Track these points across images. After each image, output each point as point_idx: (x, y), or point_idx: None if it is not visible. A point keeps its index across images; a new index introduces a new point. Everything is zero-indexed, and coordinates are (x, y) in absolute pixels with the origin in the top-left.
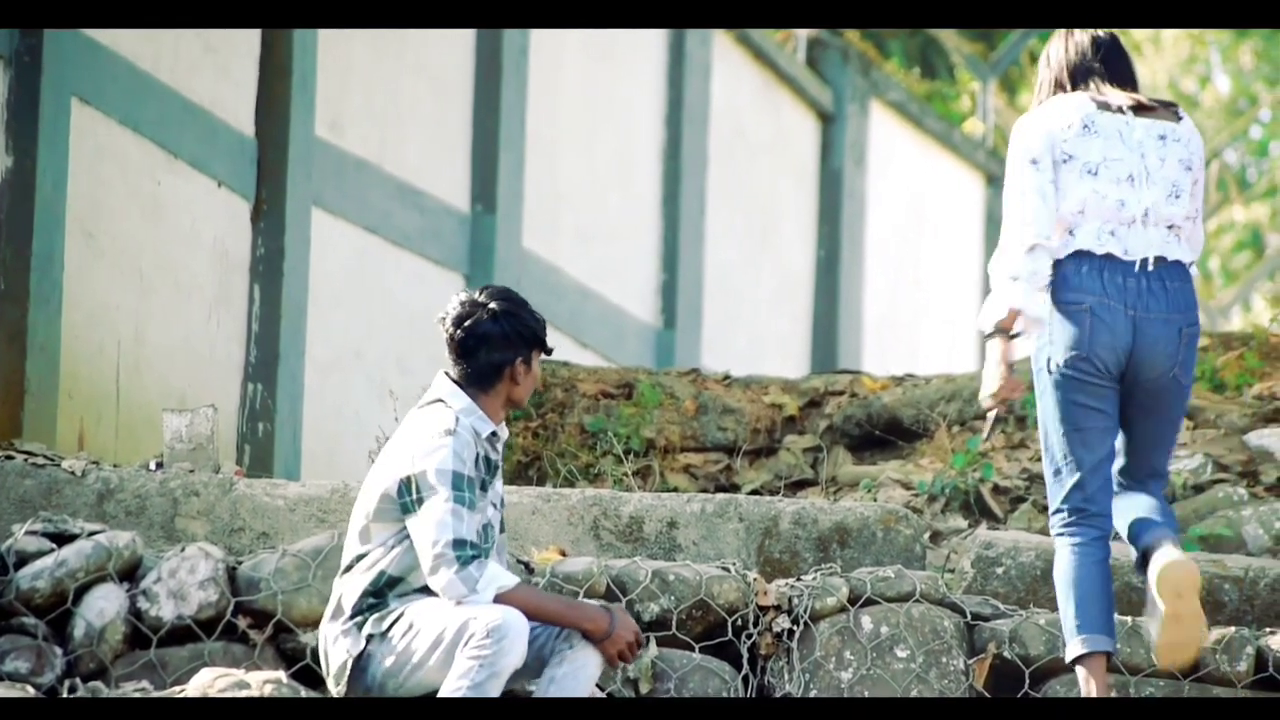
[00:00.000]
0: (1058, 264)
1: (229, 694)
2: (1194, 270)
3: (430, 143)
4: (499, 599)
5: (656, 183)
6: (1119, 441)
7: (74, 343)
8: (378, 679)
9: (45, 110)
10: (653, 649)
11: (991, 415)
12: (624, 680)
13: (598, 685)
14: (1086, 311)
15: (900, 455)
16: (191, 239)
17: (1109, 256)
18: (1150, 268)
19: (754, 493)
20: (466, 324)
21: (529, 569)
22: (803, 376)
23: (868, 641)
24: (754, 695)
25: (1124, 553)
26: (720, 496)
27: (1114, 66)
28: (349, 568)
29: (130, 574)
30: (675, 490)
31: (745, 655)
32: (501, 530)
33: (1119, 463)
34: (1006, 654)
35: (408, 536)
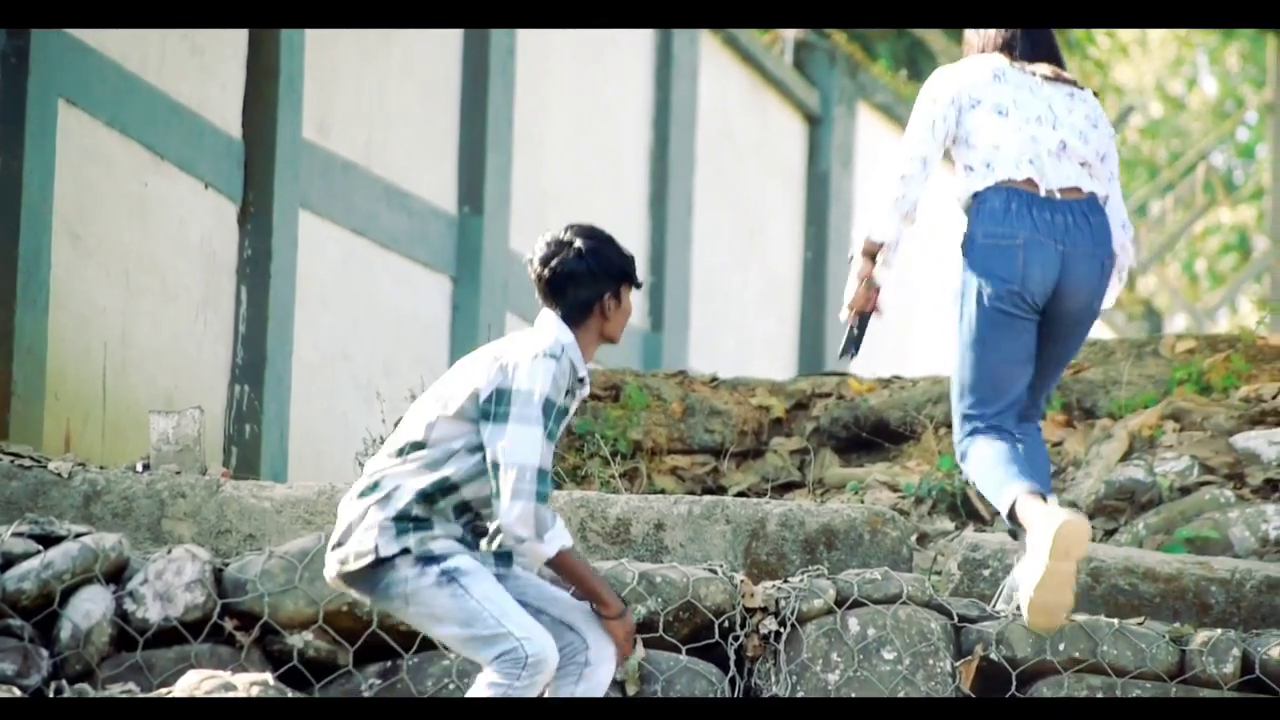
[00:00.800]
0: (981, 197)
1: (216, 695)
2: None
3: (417, 144)
4: (557, 557)
5: (644, 184)
6: (1035, 381)
7: (61, 344)
8: (387, 592)
9: (32, 111)
10: (640, 650)
11: (847, 329)
12: (611, 682)
13: None
14: (1020, 247)
15: (887, 457)
16: (178, 240)
17: (1031, 188)
18: (1070, 198)
19: (741, 495)
20: (553, 263)
21: None
22: (790, 378)
23: (854, 643)
24: (741, 697)
25: (1110, 555)
26: (707, 499)
27: (1039, 43)
28: (401, 452)
29: (117, 576)
30: (662, 492)
31: (732, 657)
32: None
33: (1027, 396)
34: (993, 656)
35: (481, 447)
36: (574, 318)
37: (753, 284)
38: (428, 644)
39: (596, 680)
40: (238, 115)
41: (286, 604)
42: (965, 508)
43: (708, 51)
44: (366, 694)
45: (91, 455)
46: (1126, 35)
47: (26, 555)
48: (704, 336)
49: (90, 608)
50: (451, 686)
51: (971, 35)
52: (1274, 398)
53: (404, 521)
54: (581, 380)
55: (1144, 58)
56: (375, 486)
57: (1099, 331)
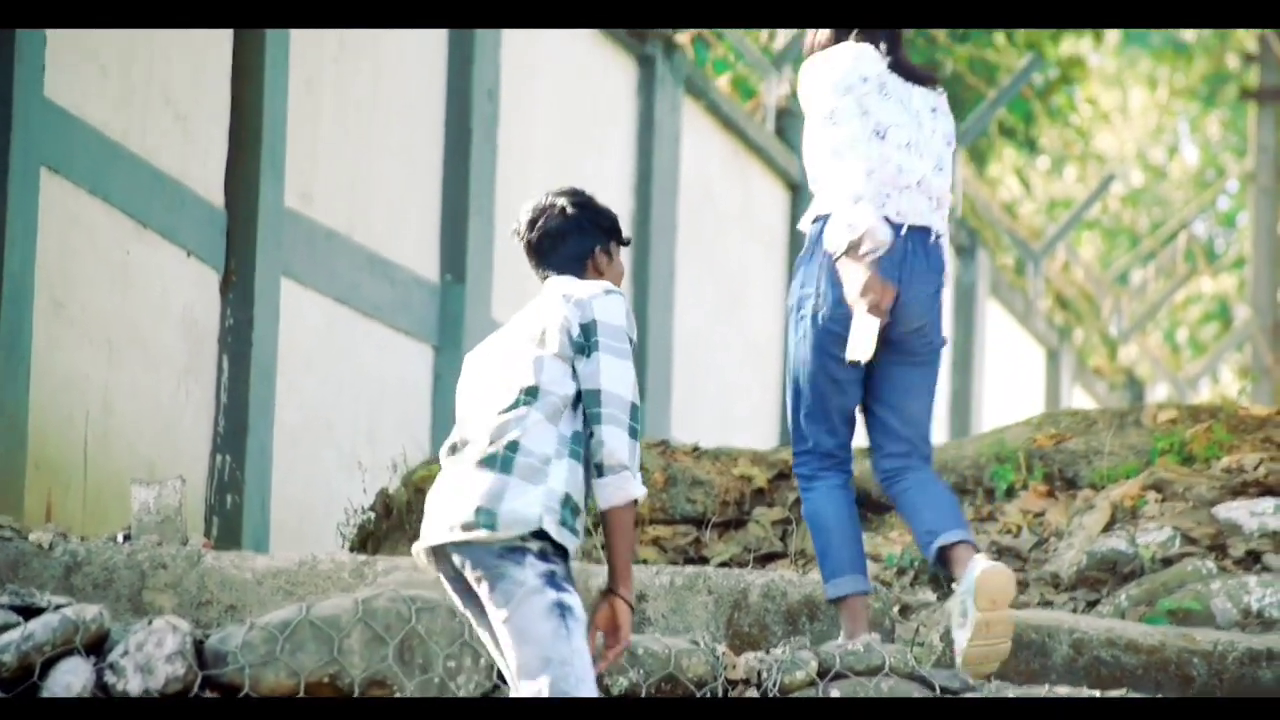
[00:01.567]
0: (827, 220)
1: None
2: (945, 240)
3: (399, 213)
4: (624, 509)
5: (625, 252)
6: (891, 418)
7: (42, 413)
8: (495, 582)
9: (14, 179)
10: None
11: (874, 327)
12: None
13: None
14: None
15: (869, 528)
16: (161, 309)
17: (884, 219)
18: (915, 233)
19: (723, 565)
20: (541, 223)
21: None
22: (772, 448)
23: None
24: None
25: (1092, 626)
26: (689, 569)
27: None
28: (517, 403)
29: (97, 647)
30: (644, 563)
31: None
32: None
33: (889, 439)
34: None
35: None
36: (569, 271)
37: (735, 351)
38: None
39: None
40: (220, 184)
41: (268, 676)
42: (947, 579)
43: (689, 119)
44: None
45: (72, 525)
46: (1107, 103)
47: (6, 626)
48: (686, 405)
49: (70, 680)
50: None
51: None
52: (1256, 468)
53: (565, 509)
54: None
55: (1125, 126)
56: (515, 447)
57: (1082, 401)
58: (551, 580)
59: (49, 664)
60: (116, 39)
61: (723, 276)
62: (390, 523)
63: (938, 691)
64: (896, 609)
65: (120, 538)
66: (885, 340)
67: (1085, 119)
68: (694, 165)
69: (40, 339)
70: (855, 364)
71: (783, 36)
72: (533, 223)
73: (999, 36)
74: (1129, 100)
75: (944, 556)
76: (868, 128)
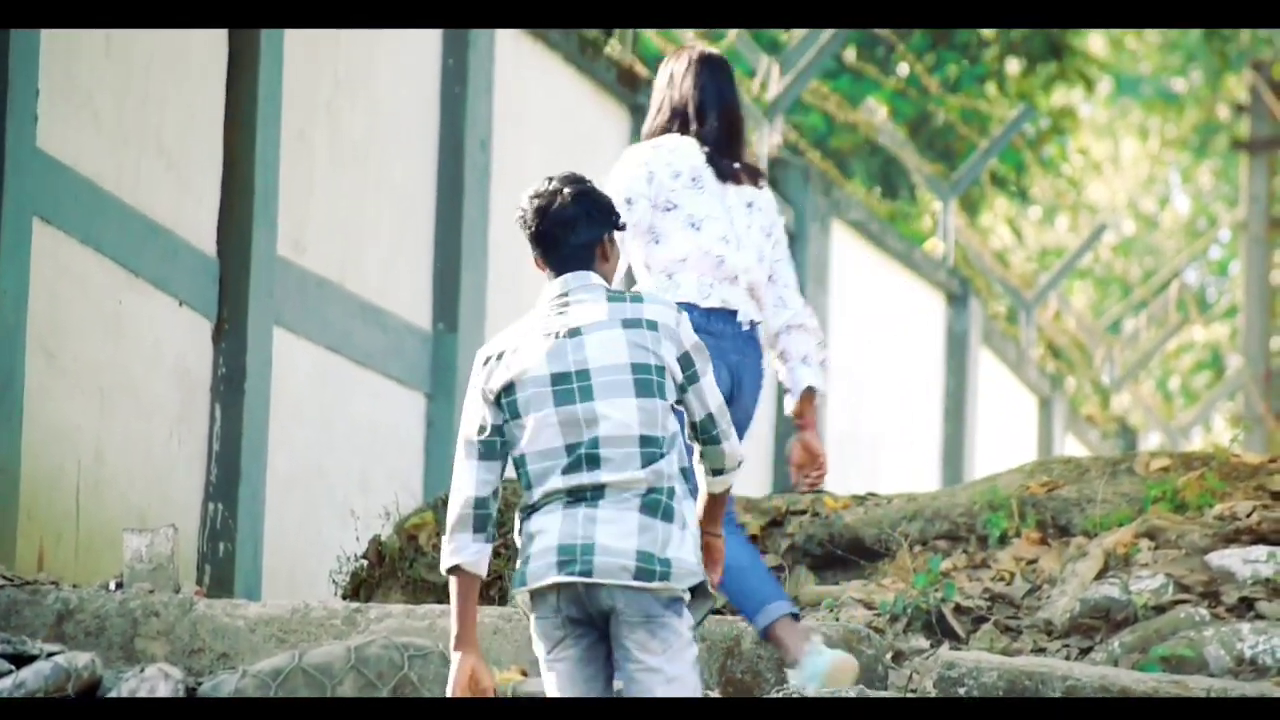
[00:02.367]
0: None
1: None
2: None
3: (392, 261)
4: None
5: None
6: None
7: (34, 462)
8: (655, 629)
9: (6, 229)
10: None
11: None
12: None
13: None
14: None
15: (862, 575)
16: (153, 358)
17: (709, 310)
18: (740, 323)
19: (716, 612)
20: (551, 211)
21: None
22: (765, 495)
23: None
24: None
25: (1085, 674)
26: None
27: (728, 110)
28: (657, 450)
29: (89, 695)
30: None
31: None
32: None
33: None
34: None
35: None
36: (582, 263)
37: None
38: None
39: None
40: (212, 232)
41: None
42: (940, 625)
43: None
44: None
45: (64, 573)
46: (1100, 153)
47: None
48: None
49: None
50: None
51: (666, 88)
52: (1248, 516)
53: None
54: None
55: (1117, 175)
56: (671, 494)
57: (1074, 450)
58: (694, 633)
59: None
60: (109, 87)
61: None
62: (383, 570)
63: None
64: (890, 656)
65: (112, 585)
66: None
67: (1077, 169)
68: None
69: (32, 388)
70: None
71: (775, 86)
72: (542, 211)
73: (990, 87)
74: (1120, 150)
75: (771, 632)
76: (679, 220)
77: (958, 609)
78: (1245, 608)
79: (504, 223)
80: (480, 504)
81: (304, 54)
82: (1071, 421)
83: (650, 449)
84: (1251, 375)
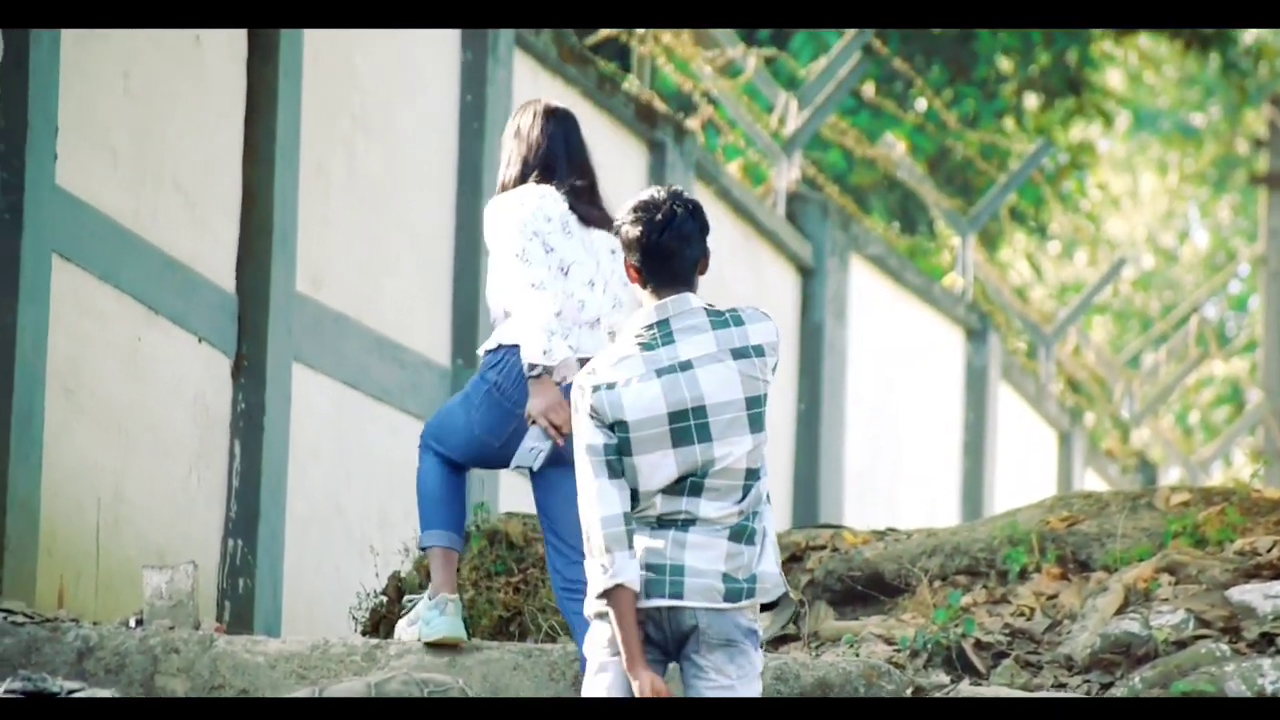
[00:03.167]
0: (510, 350)
1: None
2: None
3: (410, 296)
4: None
5: None
6: (564, 532)
7: (54, 500)
8: (731, 643)
9: (26, 267)
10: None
11: (548, 444)
12: None
13: None
14: (513, 414)
15: (882, 610)
16: (172, 395)
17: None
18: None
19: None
20: (671, 226)
21: None
22: (784, 531)
23: None
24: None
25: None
26: None
27: (577, 158)
28: (752, 481)
29: None
30: None
31: None
32: None
33: (563, 555)
34: None
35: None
36: (686, 280)
37: None
38: None
39: None
40: (231, 269)
41: None
42: (961, 661)
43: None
44: None
45: (85, 611)
46: (1118, 188)
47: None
48: None
49: None
50: None
51: (515, 140)
52: (1269, 551)
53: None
54: None
55: (1136, 210)
56: (755, 515)
57: (1094, 484)
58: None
59: None
60: (127, 125)
61: None
62: (402, 606)
63: None
64: (910, 691)
65: (132, 622)
66: (556, 456)
67: (1096, 204)
68: None
69: (52, 425)
70: (520, 469)
71: (793, 122)
72: (664, 224)
73: (1009, 122)
74: (1139, 185)
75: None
76: (553, 264)
77: (978, 644)
78: (1266, 643)
79: None
80: (627, 520)
81: (322, 90)
82: (1091, 456)
83: (751, 481)
84: (1271, 409)
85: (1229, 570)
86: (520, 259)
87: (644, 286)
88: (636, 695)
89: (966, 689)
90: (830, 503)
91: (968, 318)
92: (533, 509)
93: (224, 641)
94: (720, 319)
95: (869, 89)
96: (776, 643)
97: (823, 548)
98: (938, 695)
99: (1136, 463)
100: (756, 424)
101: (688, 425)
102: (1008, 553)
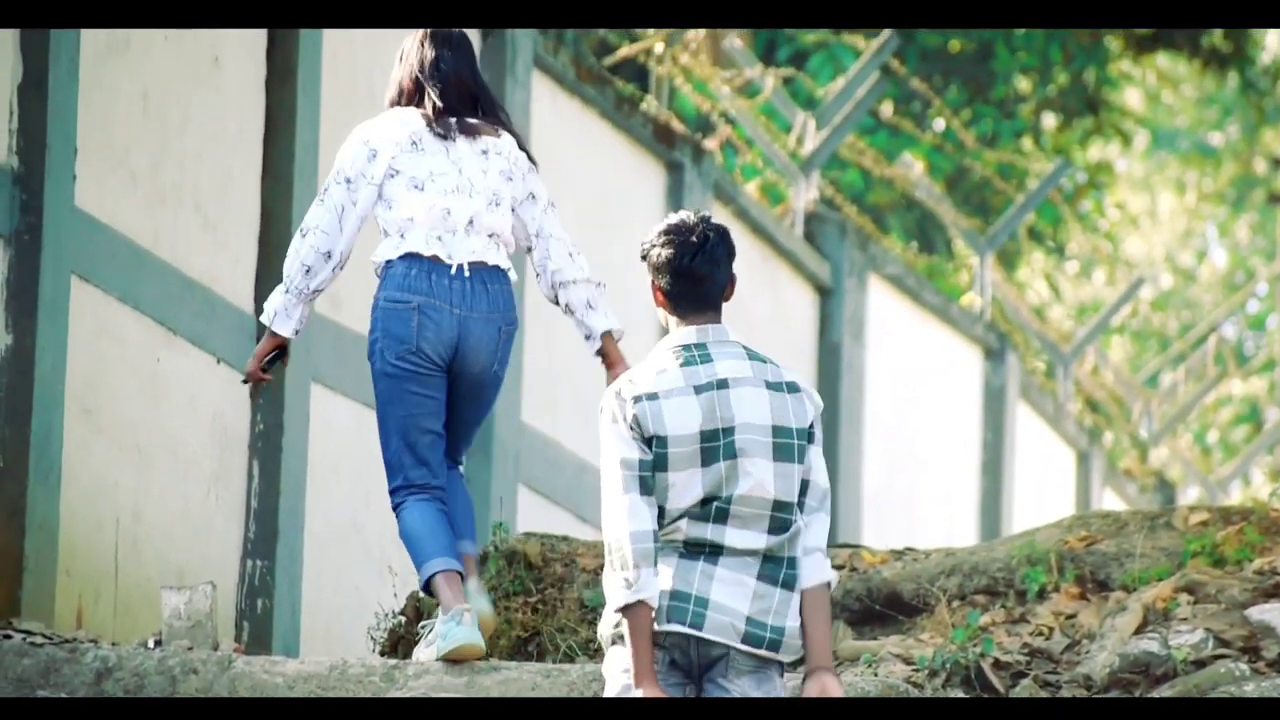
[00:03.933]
0: (390, 264)
1: None
2: (512, 275)
3: None
4: (821, 586)
5: None
6: (452, 445)
7: (73, 520)
8: (762, 682)
9: (45, 288)
10: None
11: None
12: None
13: None
14: (414, 310)
15: (901, 630)
16: (190, 415)
17: (435, 259)
18: (467, 273)
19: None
20: (704, 250)
21: None
22: None
23: None
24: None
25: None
26: None
27: (454, 76)
28: (788, 517)
29: None
30: None
31: None
32: None
33: (440, 461)
34: None
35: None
36: (714, 305)
37: None
38: None
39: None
40: (250, 289)
41: None
42: (979, 681)
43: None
44: None
45: (103, 631)
46: (1136, 207)
47: None
48: None
49: None
50: None
51: (398, 65)
52: None
53: None
54: None
55: (1154, 230)
56: (793, 564)
57: (1113, 504)
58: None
59: None
60: (146, 146)
61: None
62: (419, 628)
63: None
64: None
65: (151, 643)
66: (456, 382)
67: (1114, 223)
68: None
69: (70, 446)
70: (430, 398)
71: (811, 142)
72: (696, 248)
73: (1027, 142)
74: (1157, 204)
75: (431, 584)
76: (403, 184)
77: (996, 664)
78: None
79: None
80: (655, 537)
81: (340, 110)
82: (1109, 476)
83: (782, 514)
84: None
85: (1248, 590)
86: (317, 198)
87: (672, 312)
88: None
89: None
90: (848, 522)
91: (986, 337)
92: (552, 529)
93: (242, 662)
94: (758, 356)
95: (887, 109)
96: (795, 663)
97: (841, 567)
98: None
99: (1155, 482)
100: (782, 453)
101: (716, 445)
102: (1026, 572)
